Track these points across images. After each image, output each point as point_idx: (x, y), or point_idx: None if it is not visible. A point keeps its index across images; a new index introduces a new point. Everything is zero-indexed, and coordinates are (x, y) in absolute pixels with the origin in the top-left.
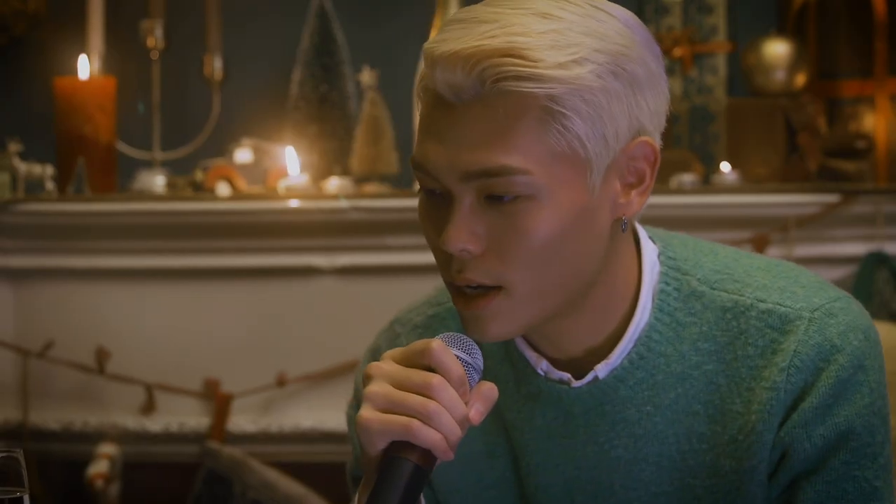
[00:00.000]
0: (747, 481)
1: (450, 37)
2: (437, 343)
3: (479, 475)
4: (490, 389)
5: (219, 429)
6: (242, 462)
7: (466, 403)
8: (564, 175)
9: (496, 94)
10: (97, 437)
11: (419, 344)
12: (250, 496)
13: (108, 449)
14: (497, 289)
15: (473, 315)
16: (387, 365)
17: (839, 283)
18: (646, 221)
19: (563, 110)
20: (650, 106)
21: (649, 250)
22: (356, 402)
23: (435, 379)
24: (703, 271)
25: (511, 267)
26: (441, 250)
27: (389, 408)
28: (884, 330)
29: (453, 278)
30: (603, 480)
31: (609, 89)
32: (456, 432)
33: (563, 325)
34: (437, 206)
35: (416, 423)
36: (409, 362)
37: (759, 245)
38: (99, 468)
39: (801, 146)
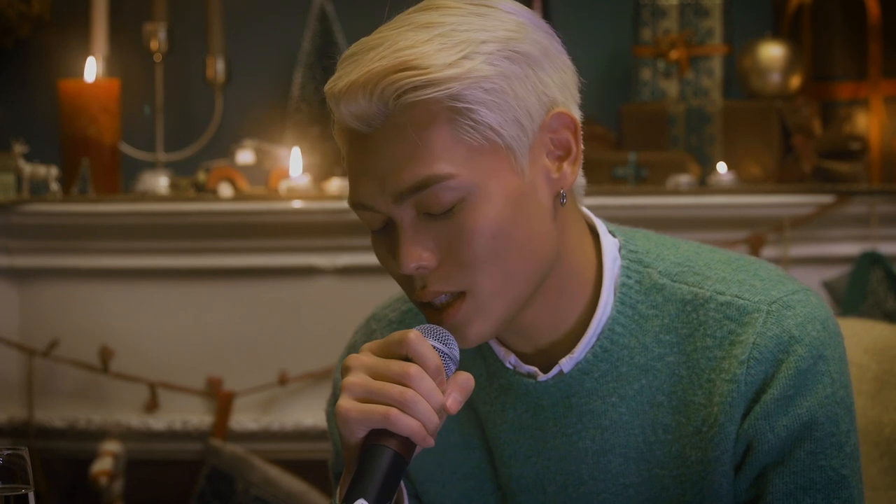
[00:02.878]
0: (712, 471)
1: (344, 72)
2: (413, 333)
3: (455, 466)
4: (466, 379)
5: (221, 426)
6: (245, 459)
7: (444, 392)
8: (490, 167)
9: (401, 110)
10: (101, 434)
11: (397, 335)
12: (252, 493)
13: (111, 446)
14: (462, 294)
15: (449, 325)
16: (365, 356)
17: (834, 283)
18: (643, 222)
19: (468, 105)
20: (554, 80)
21: (609, 244)
22: (334, 399)
23: (412, 368)
24: (664, 264)
25: (470, 269)
26: (402, 275)
27: (368, 397)
28: (880, 329)
29: (420, 296)
30: (572, 471)
31: (507, 73)
32: (434, 420)
33: (525, 313)
34: (386, 238)
35: (394, 411)
36: (386, 353)
37: (755, 245)
38: (103, 465)
39: (795, 148)
